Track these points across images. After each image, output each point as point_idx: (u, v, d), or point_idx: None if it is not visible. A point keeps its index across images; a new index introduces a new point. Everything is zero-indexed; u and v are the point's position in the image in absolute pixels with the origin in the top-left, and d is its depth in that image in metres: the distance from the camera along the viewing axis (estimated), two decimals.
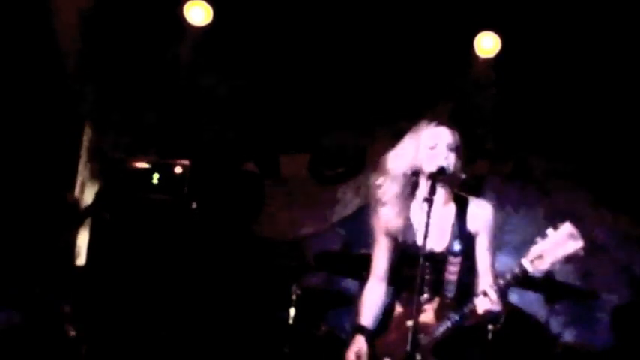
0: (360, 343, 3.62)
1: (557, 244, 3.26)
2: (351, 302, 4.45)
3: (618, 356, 5.98)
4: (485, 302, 3.32)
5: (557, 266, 3.30)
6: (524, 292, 5.72)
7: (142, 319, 5.63)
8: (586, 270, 6.16)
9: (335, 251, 6.25)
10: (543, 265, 3.27)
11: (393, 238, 3.68)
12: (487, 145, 6.41)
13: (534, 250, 3.27)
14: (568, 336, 6.21)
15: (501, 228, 6.00)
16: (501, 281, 3.33)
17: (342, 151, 6.61)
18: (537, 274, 3.32)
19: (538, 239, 3.27)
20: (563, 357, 5.64)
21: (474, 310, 3.36)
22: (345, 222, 6.42)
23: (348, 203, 6.46)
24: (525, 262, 3.27)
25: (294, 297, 5.44)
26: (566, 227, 3.27)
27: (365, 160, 6.47)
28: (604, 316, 6.21)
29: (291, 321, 5.41)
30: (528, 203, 6.47)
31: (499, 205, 6.26)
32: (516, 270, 3.28)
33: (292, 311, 5.43)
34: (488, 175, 6.48)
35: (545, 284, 5.31)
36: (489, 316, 3.38)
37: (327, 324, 5.39)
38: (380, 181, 3.66)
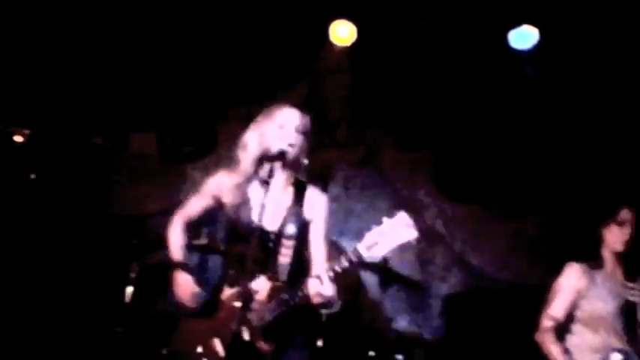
0: (185, 279, 3.59)
1: (392, 233, 3.31)
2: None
3: (447, 343, 6.20)
4: (318, 286, 3.34)
5: (392, 253, 3.34)
6: (364, 276, 5.90)
7: None
8: (424, 258, 6.36)
9: None
10: (378, 252, 3.31)
11: (218, 204, 3.68)
12: (338, 132, 6.48)
13: (370, 237, 3.31)
14: (401, 320, 6.34)
15: (347, 214, 6.33)
16: (337, 266, 3.35)
17: (193, 130, 6.53)
18: (372, 259, 3.36)
19: (374, 226, 3.31)
20: (396, 342, 5.82)
21: (306, 295, 3.38)
22: None
23: (196, 183, 6.28)
24: (361, 247, 3.31)
25: (132, 275, 5.43)
26: (402, 216, 3.33)
27: (216, 140, 6.42)
28: (437, 302, 6.39)
29: (128, 299, 5.37)
30: (374, 191, 6.58)
31: (345, 192, 6.51)
32: (351, 255, 3.31)
33: (130, 290, 5.41)
34: (338, 161, 6.55)
35: (380, 270, 5.56)
36: (322, 300, 3.39)
37: (165, 302, 5.32)
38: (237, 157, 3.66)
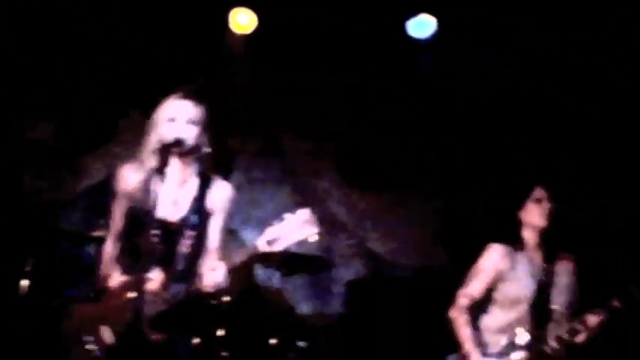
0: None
1: (292, 229, 3.40)
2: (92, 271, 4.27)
3: (350, 328, 6.27)
4: (213, 277, 3.42)
5: (292, 248, 3.42)
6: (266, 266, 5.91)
7: None
8: (326, 245, 6.45)
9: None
10: (277, 247, 3.40)
11: (129, 201, 3.72)
12: (239, 120, 6.51)
13: (270, 232, 3.39)
14: (304, 308, 6.46)
15: (249, 204, 6.43)
16: (235, 259, 3.43)
17: (90, 121, 6.45)
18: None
19: (275, 222, 3.39)
20: (298, 326, 5.86)
21: (201, 285, 3.46)
22: (90, 190, 6.32)
23: (93, 172, 6.38)
24: (261, 243, 3.39)
25: (28, 268, 5.33)
26: (304, 213, 3.41)
27: (115, 132, 6.40)
28: (340, 289, 6.51)
29: (24, 292, 5.31)
30: (276, 180, 6.68)
31: (247, 182, 6.58)
32: (251, 250, 3.40)
33: (26, 282, 5.33)
34: (239, 151, 6.60)
35: (282, 259, 5.48)
36: (214, 290, 3.47)
37: (64, 295, 5.29)
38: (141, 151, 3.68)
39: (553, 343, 4.05)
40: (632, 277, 4.13)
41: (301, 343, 5.70)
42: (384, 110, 6.48)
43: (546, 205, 4.20)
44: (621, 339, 5.04)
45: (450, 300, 4.33)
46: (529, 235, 4.28)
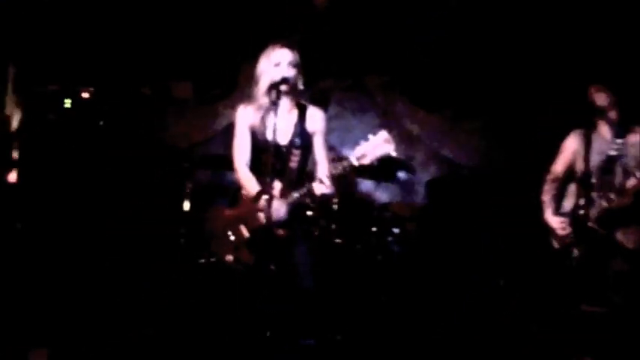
0: (267, 201, 3.95)
1: (375, 147, 3.78)
2: (230, 193, 4.47)
3: (432, 215, 6.86)
4: (321, 187, 3.88)
5: (376, 162, 3.81)
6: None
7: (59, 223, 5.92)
8: (407, 155, 7.00)
9: (215, 155, 6.66)
10: (365, 161, 3.81)
11: (251, 132, 4.16)
12: (331, 65, 6.92)
13: (358, 150, 3.80)
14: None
15: (344, 128, 6.98)
16: (334, 171, 3.87)
17: (218, 77, 6.94)
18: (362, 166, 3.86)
19: (362, 142, 3.77)
20: (392, 220, 6.41)
21: (311, 192, 3.89)
22: (224, 130, 6.78)
23: (225, 117, 6.87)
24: (352, 158, 3.82)
25: (187, 191, 5.95)
26: (382, 134, 3.79)
27: (236, 84, 6.84)
28: (421, 188, 7.05)
29: (186, 209, 5.95)
30: (363, 109, 7.14)
31: (342, 111, 7.12)
32: (345, 164, 3.84)
33: (187, 202, 5.95)
34: (333, 89, 7.05)
35: (373, 168, 5.77)
36: (323, 198, 3.94)
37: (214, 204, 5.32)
38: (252, 92, 4.11)
39: (612, 196, 4.27)
40: None
41: (395, 230, 6.22)
42: (438, 49, 6.76)
43: (606, 92, 4.37)
44: None
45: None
46: (600, 118, 4.48)
